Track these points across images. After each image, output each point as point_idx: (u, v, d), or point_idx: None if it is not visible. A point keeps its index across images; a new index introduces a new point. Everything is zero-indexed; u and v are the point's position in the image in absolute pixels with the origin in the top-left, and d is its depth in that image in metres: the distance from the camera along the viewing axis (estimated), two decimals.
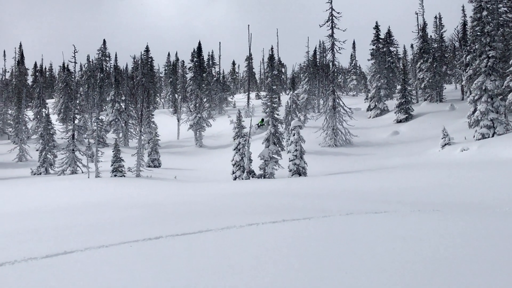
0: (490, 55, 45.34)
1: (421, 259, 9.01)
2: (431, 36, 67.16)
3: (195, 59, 67.49)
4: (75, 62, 53.88)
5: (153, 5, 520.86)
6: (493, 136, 43.32)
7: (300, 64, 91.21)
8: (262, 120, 32.39)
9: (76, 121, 52.17)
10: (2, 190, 35.33)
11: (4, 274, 8.89)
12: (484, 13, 46.20)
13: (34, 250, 10.49)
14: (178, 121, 66.96)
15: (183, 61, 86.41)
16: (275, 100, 44.11)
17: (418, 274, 8.14)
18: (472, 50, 47.48)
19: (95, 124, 51.56)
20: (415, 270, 8.34)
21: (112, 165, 41.50)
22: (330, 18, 54.44)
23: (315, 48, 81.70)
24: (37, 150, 50.95)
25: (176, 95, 78.95)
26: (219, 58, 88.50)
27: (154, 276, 8.49)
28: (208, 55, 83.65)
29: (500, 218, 14.77)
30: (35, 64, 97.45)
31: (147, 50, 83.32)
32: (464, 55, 50.73)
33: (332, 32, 54.47)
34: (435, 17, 67.77)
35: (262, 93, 79.90)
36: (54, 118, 68.48)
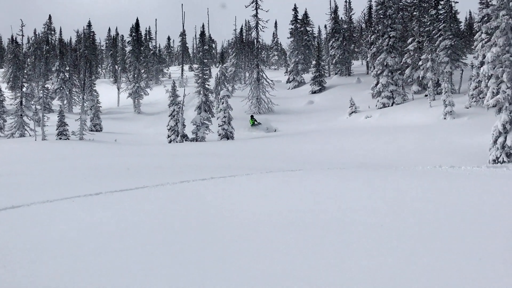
0: (391, 35, 46.44)
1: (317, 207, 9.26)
2: (341, 18, 68.15)
3: (133, 34, 66.35)
4: (23, 35, 52.09)
5: None
6: (392, 105, 44.50)
7: (228, 41, 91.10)
8: (252, 117, 29.94)
9: (24, 89, 50.59)
10: None
11: None
12: None
13: None
14: (118, 90, 66.11)
15: (122, 35, 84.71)
16: (206, 72, 43.91)
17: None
18: (376, 31, 48.51)
19: (42, 92, 50.10)
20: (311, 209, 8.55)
21: (57, 129, 40.62)
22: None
23: (242, 26, 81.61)
24: None
25: (116, 66, 77.52)
26: (156, 34, 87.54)
27: (92, 225, 8.48)
28: (146, 31, 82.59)
29: (404, 174, 15.28)
30: None
31: (89, 25, 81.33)
32: (370, 35, 51.55)
33: (257, 13, 54.45)
34: (345, 1, 69.01)
35: (195, 66, 79.36)
36: (3, 86, 66.46)
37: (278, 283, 5.35)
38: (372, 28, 51.14)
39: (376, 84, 46.18)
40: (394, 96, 44.81)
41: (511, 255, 6.35)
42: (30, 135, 45.38)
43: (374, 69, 47.23)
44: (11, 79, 70.11)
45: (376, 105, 45.12)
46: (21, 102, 47.41)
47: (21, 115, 46.76)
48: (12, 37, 79.29)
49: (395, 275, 5.51)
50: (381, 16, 47.56)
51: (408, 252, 6.33)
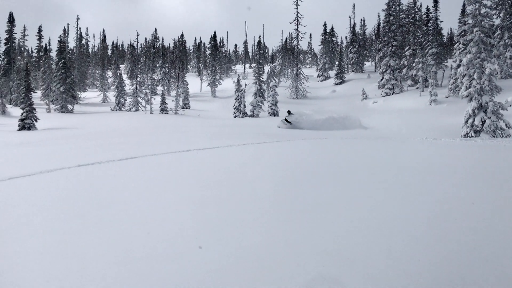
0: (393, 44, 45.21)
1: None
2: (358, 31, 66.41)
3: (211, 41, 66.40)
4: (137, 42, 53.18)
5: (164, 1, 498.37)
6: (392, 94, 43.56)
7: (277, 47, 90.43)
8: (289, 112, 25.49)
9: (138, 79, 51.56)
10: (93, 119, 35.26)
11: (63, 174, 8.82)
12: (391, 18, 45.79)
13: (96, 158, 10.10)
14: (201, 80, 66.48)
15: (204, 43, 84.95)
16: (261, 69, 43.76)
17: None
18: (382, 41, 47.30)
19: (150, 80, 51.05)
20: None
21: (160, 106, 41.37)
22: (296, 18, 53.77)
23: (287, 37, 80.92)
24: (114, 96, 50.57)
25: (200, 64, 77.98)
26: (227, 42, 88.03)
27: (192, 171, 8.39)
28: (220, 39, 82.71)
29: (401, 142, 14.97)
30: (113, 42, 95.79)
31: (182, 35, 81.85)
32: (378, 44, 50.43)
33: (297, 27, 53.90)
34: (361, 20, 67.23)
35: (253, 65, 79.07)
36: (124, 76, 67.78)
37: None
38: (380, 39, 50.22)
39: (381, 79, 45.35)
40: (394, 88, 43.88)
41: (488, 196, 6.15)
42: (142, 110, 46.45)
43: (380, 68, 46.33)
44: (129, 72, 71.39)
45: (381, 94, 44.31)
46: (136, 87, 48.41)
47: (136, 96, 47.80)
48: (130, 43, 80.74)
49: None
50: (387, 30, 46.54)
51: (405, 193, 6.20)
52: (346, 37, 74.69)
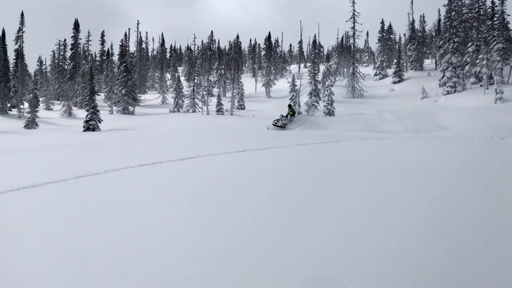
0: (455, 40, 43.27)
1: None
2: (417, 28, 64.32)
3: (266, 42, 66.71)
4: (194, 44, 54.37)
5: (218, 4, 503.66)
6: (454, 92, 41.79)
7: (332, 46, 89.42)
8: (290, 107, 25.00)
9: (195, 80, 52.79)
10: (153, 120, 36.50)
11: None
12: (453, 13, 44.00)
13: (159, 158, 10.31)
14: (255, 81, 66.97)
15: (259, 43, 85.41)
16: (316, 68, 43.44)
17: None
18: (443, 37, 45.47)
19: (206, 82, 52.09)
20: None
21: (216, 107, 42.11)
22: (352, 16, 53.10)
23: (342, 35, 79.51)
24: (172, 98, 52.05)
25: (255, 65, 78.52)
26: (282, 42, 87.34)
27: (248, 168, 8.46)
28: (274, 40, 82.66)
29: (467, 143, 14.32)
30: (171, 46, 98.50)
31: (237, 37, 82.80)
32: (438, 41, 48.50)
33: (354, 25, 53.32)
34: (420, 16, 65.23)
35: (308, 64, 78.47)
36: (182, 78, 69.59)
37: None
38: (441, 35, 48.40)
39: (442, 77, 43.62)
40: (456, 86, 42.04)
41: None
42: (199, 111, 47.50)
43: (441, 66, 44.56)
44: (187, 74, 73.20)
45: (442, 92, 42.62)
46: (193, 89, 49.57)
47: (193, 97, 48.97)
48: (187, 45, 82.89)
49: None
50: (448, 26, 44.68)
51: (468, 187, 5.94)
52: (404, 34, 72.39)
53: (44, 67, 72.10)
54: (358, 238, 4.22)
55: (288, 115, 24.15)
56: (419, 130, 20.65)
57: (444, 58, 43.82)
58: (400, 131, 20.47)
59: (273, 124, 23.42)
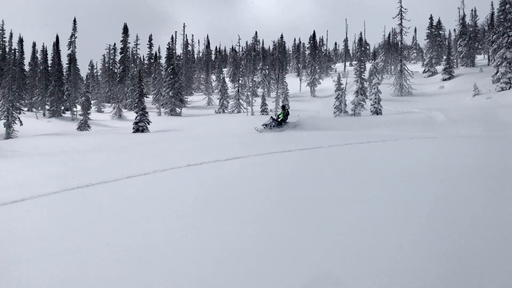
0: (510, 34, 41.22)
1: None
2: (468, 23, 61.80)
3: (311, 41, 66.27)
4: (239, 45, 54.83)
5: (260, 4, 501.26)
6: (509, 89, 39.80)
7: (379, 43, 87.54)
8: (284, 107, 22.56)
9: (240, 81, 53.24)
10: (199, 121, 37.13)
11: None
12: (507, 6, 41.97)
13: (189, 161, 10.61)
14: (300, 80, 66.71)
15: (303, 43, 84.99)
16: (362, 66, 42.73)
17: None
18: (497, 32, 43.46)
19: (251, 83, 52.43)
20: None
21: (261, 107, 42.29)
22: (400, 12, 51.77)
23: (389, 32, 77.81)
24: (218, 99, 52.72)
25: (299, 64, 78.24)
26: (327, 40, 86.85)
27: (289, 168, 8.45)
28: (319, 38, 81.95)
29: None
30: (216, 47, 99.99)
31: (281, 37, 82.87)
32: (491, 35, 46.36)
33: (401, 22, 51.86)
34: (471, 10, 62.62)
35: (354, 62, 77.35)
36: (227, 79, 70.45)
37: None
38: (494, 29, 46.19)
39: (496, 73, 41.64)
40: (511, 81, 40.05)
41: None
42: (243, 112, 47.90)
43: (495, 61, 42.55)
44: (231, 75, 73.95)
45: (496, 89, 40.69)
46: (238, 90, 50.04)
47: (238, 98, 49.42)
48: (232, 47, 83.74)
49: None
50: (502, 19, 42.58)
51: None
52: (454, 30, 69.63)
53: (95, 71, 75.18)
54: (363, 239, 4.18)
55: (279, 118, 21.93)
56: (486, 131, 18.86)
57: (497, 53, 41.86)
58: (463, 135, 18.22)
59: (262, 126, 21.79)
